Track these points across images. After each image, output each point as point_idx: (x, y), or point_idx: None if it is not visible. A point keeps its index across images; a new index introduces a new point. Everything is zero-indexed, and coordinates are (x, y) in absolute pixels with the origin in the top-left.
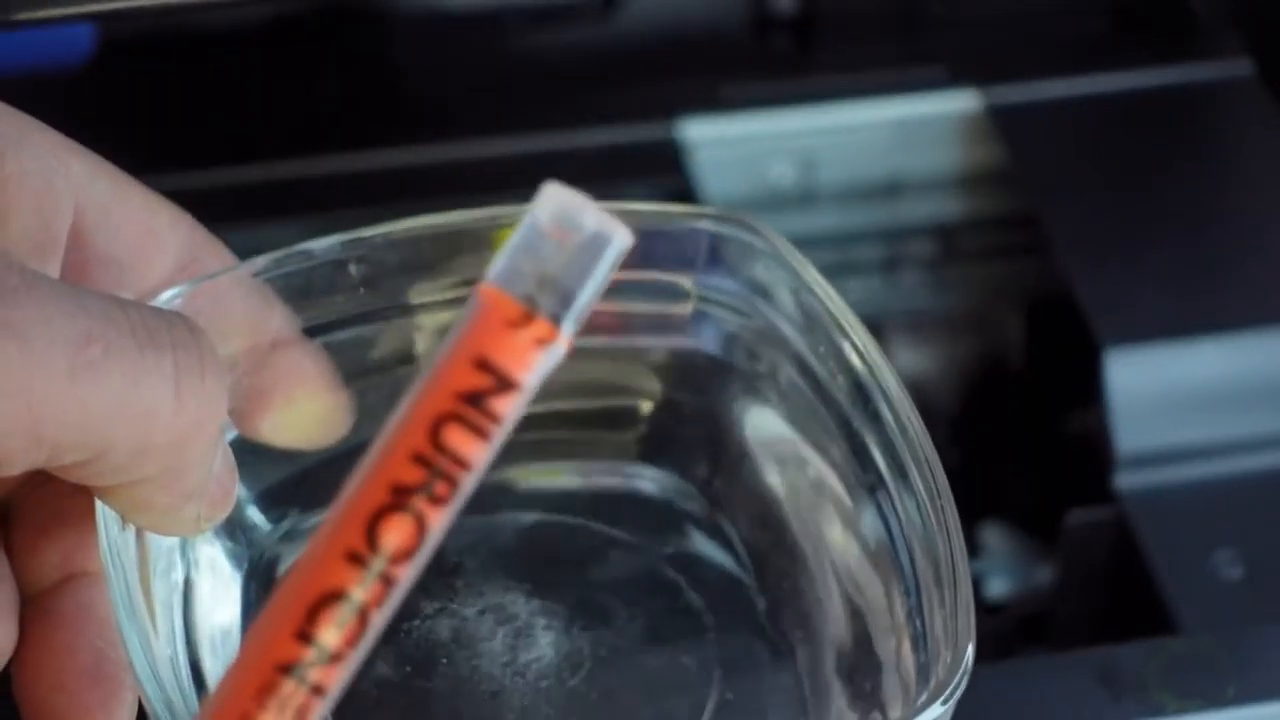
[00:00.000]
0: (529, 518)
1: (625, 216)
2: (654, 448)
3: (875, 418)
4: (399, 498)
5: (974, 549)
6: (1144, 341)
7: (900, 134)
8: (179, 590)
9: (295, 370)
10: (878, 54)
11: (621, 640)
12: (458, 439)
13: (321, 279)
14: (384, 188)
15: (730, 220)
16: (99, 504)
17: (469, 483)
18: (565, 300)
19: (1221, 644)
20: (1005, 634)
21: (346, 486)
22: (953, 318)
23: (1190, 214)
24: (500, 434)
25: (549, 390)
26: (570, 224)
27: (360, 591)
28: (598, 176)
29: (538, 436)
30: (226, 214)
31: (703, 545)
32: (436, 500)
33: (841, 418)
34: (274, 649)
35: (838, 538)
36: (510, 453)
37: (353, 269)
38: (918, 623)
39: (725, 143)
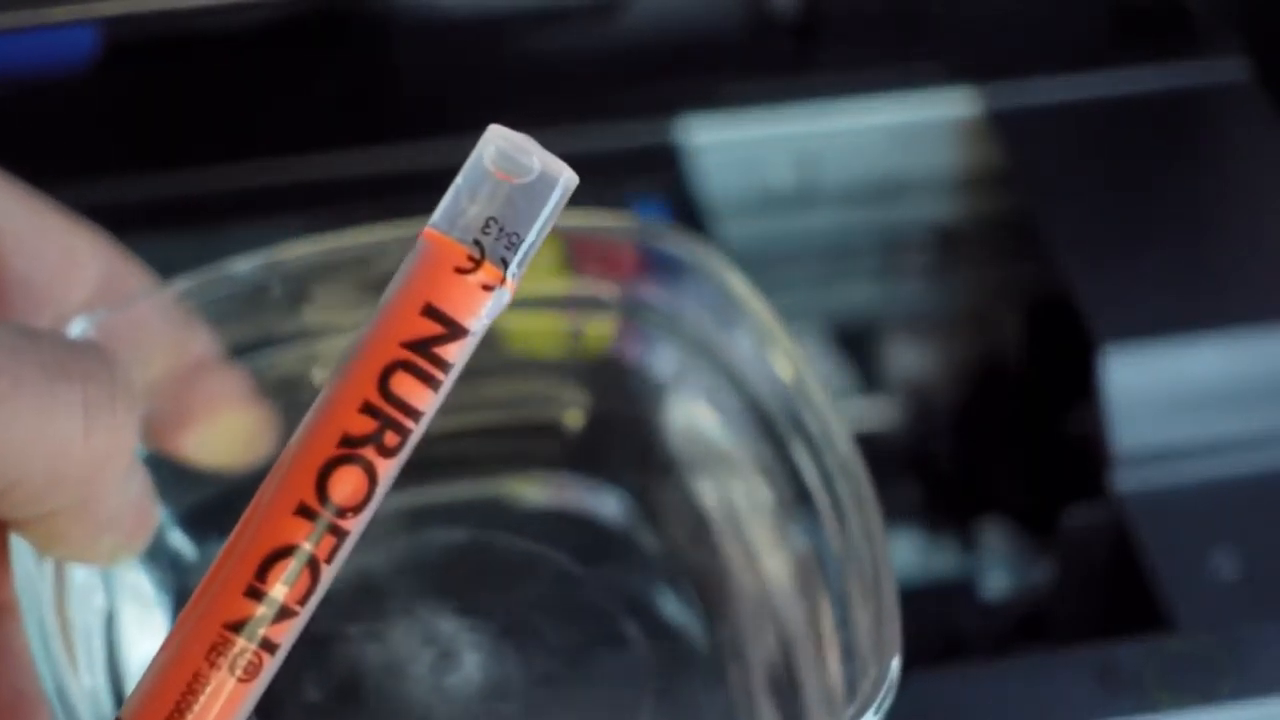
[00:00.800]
0: (457, 535)
1: (554, 230)
2: (582, 460)
3: (801, 429)
4: (348, 449)
5: (973, 547)
6: (1141, 339)
7: (900, 134)
8: (102, 620)
9: (217, 391)
10: (878, 54)
11: (552, 659)
12: (407, 387)
13: (243, 299)
14: (384, 188)
15: (659, 231)
16: (13, 537)
17: (417, 433)
18: (512, 243)
19: (1219, 642)
20: (1003, 632)
21: (293, 439)
22: (952, 318)
23: (1188, 214)
24: (449, 381)
25: (476, 404)
26: (515, 165)
27: (310, 545)
28: (596, 177)
29: (464, 450)
30: (229, 214)
31: (633, 560)
32: (386, 451)
33: (769, 429)
34: (224, 607)
35: (766, 550)
36: (437, 468)
37: (275, 289)
38: (845, 635)
39: (725, 143)
